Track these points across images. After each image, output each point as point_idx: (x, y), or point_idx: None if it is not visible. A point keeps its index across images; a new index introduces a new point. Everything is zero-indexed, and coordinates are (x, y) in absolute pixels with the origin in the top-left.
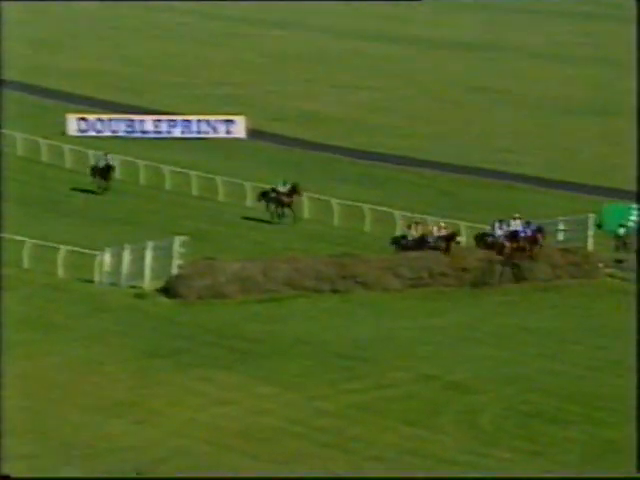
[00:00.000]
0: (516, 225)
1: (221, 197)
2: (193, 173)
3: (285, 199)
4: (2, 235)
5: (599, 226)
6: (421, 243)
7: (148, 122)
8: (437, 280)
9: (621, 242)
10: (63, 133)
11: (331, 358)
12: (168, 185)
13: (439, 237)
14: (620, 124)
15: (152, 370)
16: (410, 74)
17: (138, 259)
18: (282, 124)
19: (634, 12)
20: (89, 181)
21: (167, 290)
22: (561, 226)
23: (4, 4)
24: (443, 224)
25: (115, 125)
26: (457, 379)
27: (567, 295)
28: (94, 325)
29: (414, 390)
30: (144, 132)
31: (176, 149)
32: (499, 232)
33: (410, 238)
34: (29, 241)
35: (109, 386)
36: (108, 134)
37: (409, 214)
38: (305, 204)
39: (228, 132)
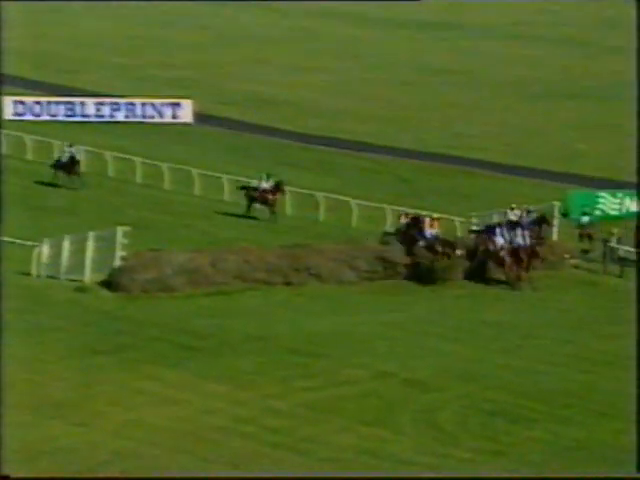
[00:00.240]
0: (515, 215)
1: (167, 185)
2: (137, 159)
3: (269, 197)
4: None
5: (564, 215)
6: (411, 240)
7: (89, 105)
8: (395, 273)
9: (585, 231)
10: None
11: (284, 354)
12: (111, 172)
13: (436, 239)
14: (587, 107)
15: (94, 368)
16: (365, 55)
17: (78, 251)
18: (231, 107)
19: None
20: (50, 174)
21: (109, 283)
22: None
23: None
24: (436, 220)
25: (54, 108)
26: (416, 376)
27: (530, 286)
28: (32, 321)
29: (371, 388)
30: (85, 116)
31: (119, 134)
32: (501, 241)
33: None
34: None
35: (48, 385)
36: (46, 118)
37: (365, 202)
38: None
39: (174, 116)
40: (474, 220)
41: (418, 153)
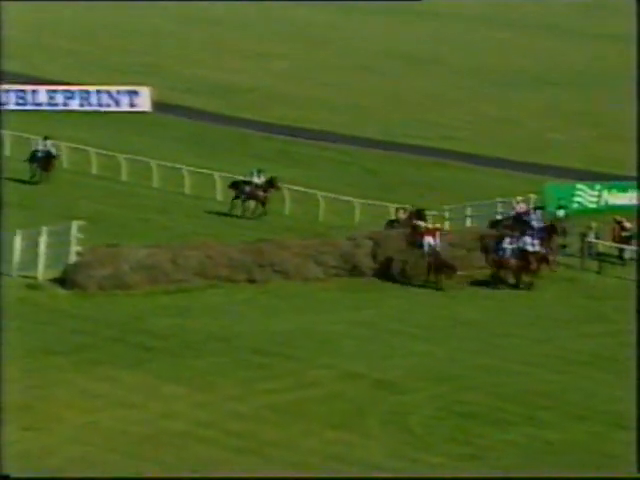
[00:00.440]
0: (521, 209)
1: (124, 177)
2: (93, 150)
3: (261, 194)
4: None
5: (540, 208)
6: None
7: (42, 93)
8: (363, 269)
9: (560, 225)
10: None
11: (246, 355)
12: (65, 163)
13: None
14: (563, 95)
15: (48, 369)
16: (331, 40)
17: (31, 246)
18: (191, 96)
19: None
20: (26, 169)
21: (64, 280)
22: (499, 208)
23: None
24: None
25: (4, 96)
26: (386, 377)
27: (505, 284)
28: None
29: (338, 390)
30: (37, 104)
31: (73, 123)
32: (508, 248)
33: (403, 216)
34: None
35: None
36: None
37: (332, 195)
38: (217, 184)
39: (131, 104)
40: (468, 211)
41: (386, 143)
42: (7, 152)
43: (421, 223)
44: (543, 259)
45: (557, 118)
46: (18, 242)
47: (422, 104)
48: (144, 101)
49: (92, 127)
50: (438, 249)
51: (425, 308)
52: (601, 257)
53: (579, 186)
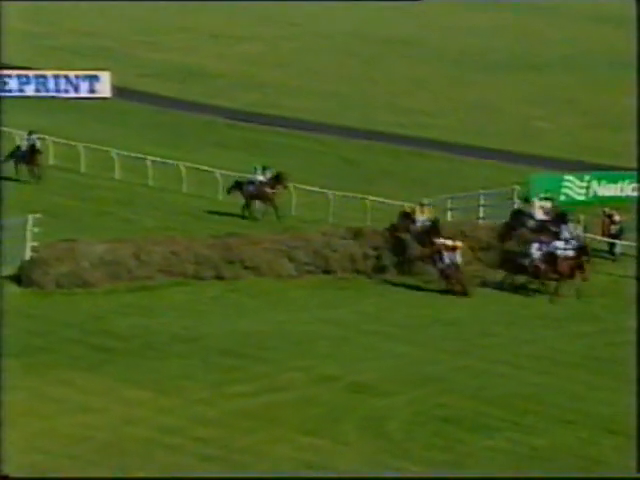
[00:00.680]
0: (543, 214)
1: (84, 167)
2: (50, 139)
3: (268, 192)
4: None
5: (526, 200)
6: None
7: None
8: (338, 266)
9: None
10: None
11: (214, 357)
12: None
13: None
14: (550, 80)
15: (2, 373)
16: (304, 22)
17: None
18: (154, 81)
19: None
20: (10, 167)
21: (19, 278)
22: (482, 200)
23: None
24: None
25: None
26: (361, 380)
27: (487, 280)
28: None
29: (312, 393)
30: None
31: (29, 110)
32: (537, 254)
33: (419, 224)
34: None
35: None
36: None
37: (305, 187)
38: (183, 175)
39: (91, 90)
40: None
41: (364, 132)
42: None
43: (441, 240)
44: (579, 267)
45: (544, 105)
46: None
47: (402, 90)
48: (105, 86)
49: (49, 114)
50: (459, 266)
51: (404, 307)
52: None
53: (567, 177)
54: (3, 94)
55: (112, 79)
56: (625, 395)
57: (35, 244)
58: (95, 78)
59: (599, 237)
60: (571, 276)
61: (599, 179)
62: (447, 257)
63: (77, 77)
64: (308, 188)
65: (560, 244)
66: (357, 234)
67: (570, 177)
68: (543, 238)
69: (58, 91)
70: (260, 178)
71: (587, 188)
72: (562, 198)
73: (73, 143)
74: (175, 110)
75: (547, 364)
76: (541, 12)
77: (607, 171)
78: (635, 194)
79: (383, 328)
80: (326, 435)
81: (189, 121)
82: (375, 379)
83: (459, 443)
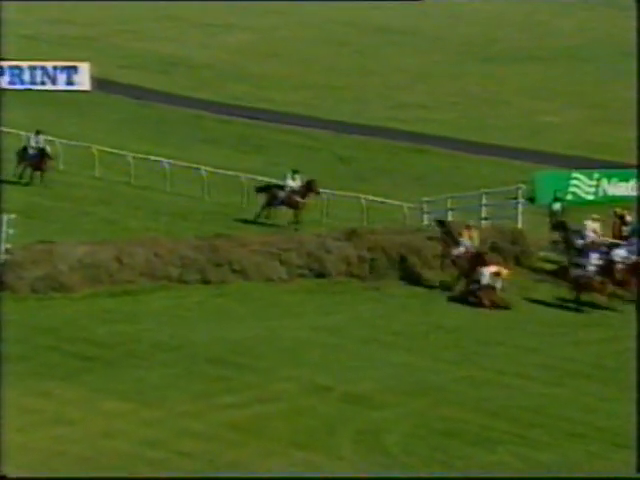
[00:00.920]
0: (593, 236)
1: (62, 165)
2: (25, 134)
3: (299, 201)
4: None
5: (531, 199)
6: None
7: None
8: (332, 269)
9: (556, 220)
10: None
11: (200, 365)
12: None
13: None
14: (556, 71)
15: None
16: (295, 11)
17: None
18: (137, 72)
19: None
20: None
21: None
22: (484, 200)
23: None
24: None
25: None
26: (357, 390)
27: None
28: None
29: (304, 404)
30: None
31: (3, 103)
32: (593, 265)
33: (462, 249)
34: None
35: None
36: None
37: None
38: (167, 173)
39: (69, 82)
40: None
41: (359, 127)
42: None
43: (485, 269)
44: (634, 268)
45: (550, 98)
46: None
47: (399, 82)
48: (84, 78)
49: (25, 108)
50: (494, 288)
51: (401, 313)
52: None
53: (575, 175)
54: None
55: (92, 70)
56: (637, 407)
57: (9, 246)
58: (73, 69)
59: (610, 239)
60: (627, 284)
61: (609, 177)
62: (485, 279)
63: (54, 68)
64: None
65: (621, 252)
66: (352, 235)
67: (578, 175)
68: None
69: (34, 83)
70: (291, 184)
71: (596, 187)
72: (569, 197)
73: (50, 139)
74: (159, 103)
75: (554, 374)
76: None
77: (618, 168)
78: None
79: (380, 335)
80: (319, 449)
81: (174, 115)
82: (371, 390)
83: (460, 458)
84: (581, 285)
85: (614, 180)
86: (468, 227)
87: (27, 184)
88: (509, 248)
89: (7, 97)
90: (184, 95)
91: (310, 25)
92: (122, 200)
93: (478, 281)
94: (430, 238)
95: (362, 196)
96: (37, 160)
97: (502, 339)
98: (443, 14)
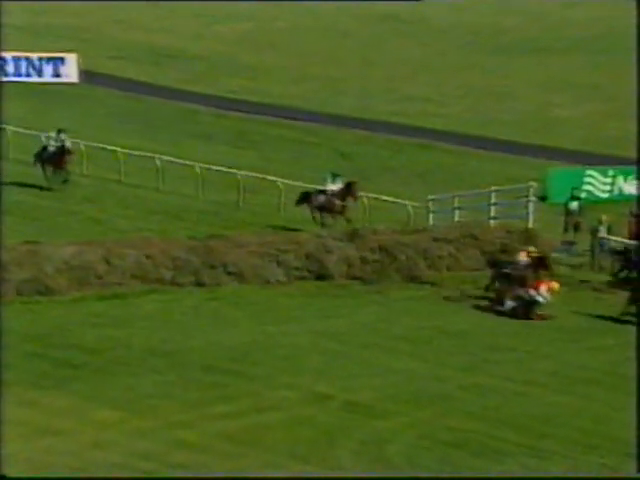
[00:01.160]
0: None
1: None
2: (9, 128)
3: (337, 204)
4: None
5: (543, 198)
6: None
7: None
8: (333, 271)
9: (573, 220)
10: None
11: (195, 372)
12: None
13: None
14: (569, 63)
15: None
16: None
17: None
18: (127, 64)
19: None
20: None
21: None
22: (493, 198)
23: None
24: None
25: None
26: (358, 399)
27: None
28: None
29: (303, 414)
30: None
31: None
32: None
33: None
34: None
35: None
36: None
37: (295, 183)
38: (159, 170)
39: (56, 74)
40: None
41: (360, 121)
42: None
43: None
44: None
45: (562, 91)
46: None
47: (403, 74)
48: (70, 70)
49: (9, 100)
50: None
51: (405, 317)
52: (615, 256)
53: (589, 172)
54: None
55: (79, 62)
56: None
57: None
58: (60, 61)
59: (625, 240)
60: None
61: (625, 174)
62: (540, 297)
63: (40, 59)
64: (299, 184)
65: None
66: (354, 236)
67: (592, 172)
68: None
69: (19, 75)
70: (331, 188)
71: (611, 184)
72: (583, 195)
73: (35, 133)
74: (150, 97)
75: (565, 381)
76: None
77: (634, 165)
78: None
79: (383, 341)
80: (319, 460)
81: (166, 109)
82: (373, 398)
83: (468, 469)
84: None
85: (630, 178)
86: (528, 252)
87: (49, 189)
88: (520, 249)
89: None
90: (177, 88)
91: (309, 14)
92: (111, 198)
93: (521, 297)
94: (436, 239)
95: (364, 194)
96: (57, 158)
97: (511, 345)
98: (450, 3)
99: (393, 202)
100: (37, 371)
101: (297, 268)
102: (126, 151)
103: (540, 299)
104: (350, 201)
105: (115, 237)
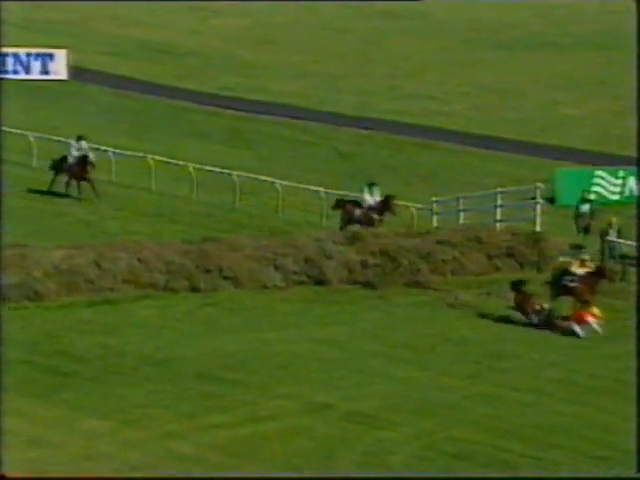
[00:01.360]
0: None
1: (35, 161)
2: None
3: (375, 219)
4: None
5: (551, 200)
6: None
7: None
8: (332, 276)
9: (584, 223)
10: None
11: (189, 381)
12: None
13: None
14: (577, 59)
15: None
16: None
17: None
18: (118, 60)
19: None
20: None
21: None
22: (499, 200)
23: None
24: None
25: None
26: (360, 409)
27: (506, 293)
28: None
29: (303, 424)
30: None
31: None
32: None
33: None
34: None
35: None
36: None
37: (293, 184)
38: (152, 170)
39: (44, 71)
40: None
41: (361, 120)
42: None
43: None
44: None
45: (570, 89)
46: None
47: (404, 71)
48: (59, 66)
49: None
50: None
51: (407, 324)
52: (625, 260)
53: (598, 172)
54: None
55: (69, 58)
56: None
57: None
58: (49, 57)
59: (636, 243)
60: None
61: (636, 175)
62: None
63: (28, 55)
64: (297, 185)
65: None
66: (354, 239)
67: (602, 173)
68: None
69: (5, 72)
70: (368, 200)
71: (622, 185)
72: (592, 197)
73: (23, 132)
74: (142, 94)
75: (573, 390)
76: None
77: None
78: None
79: (384, 348)
80: (319, 472)
81: (158, 107)
82: (375, 408)
83: None
84: None
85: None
86: (582, 261)
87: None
88: (527, 253)
89: None
90: (170, 85)
91: (308, 9)
92: (102, 200)
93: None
94: (440, 242)
95: (364, 195)
96: (78, 168)
97: (517, 352)
98: None
99: (395, 204)
100: (25, 379)
101: (295, 272)
102: (117, 150)
103: (580, 333)
104: (387, 215)
105: (106, 240)
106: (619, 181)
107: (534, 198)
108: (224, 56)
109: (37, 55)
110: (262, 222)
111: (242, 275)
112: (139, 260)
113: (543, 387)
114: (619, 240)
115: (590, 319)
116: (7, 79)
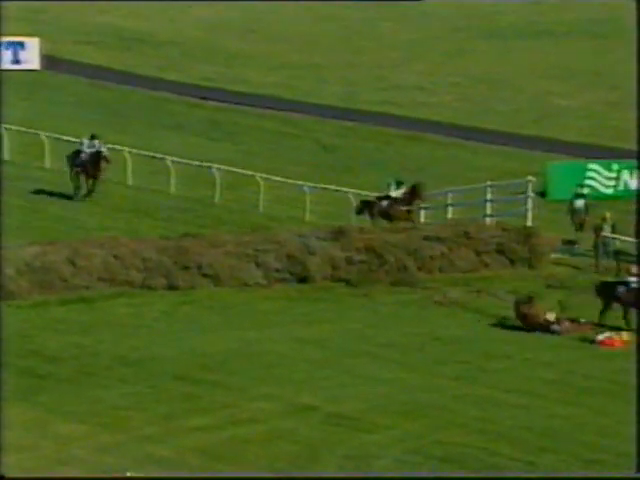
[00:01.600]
0: None
1: (7, 154)
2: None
3: (402, 211)
4: None
5: (542, 194)
6: None
7: None
8: (316, 273)
9: (579, 218)
10: None
11: (167, 382)
12: None
13: None
14: (569, 48)
15: None
16: None
17: None
18: (92, 49)
19: None
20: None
21: None
22: (489, 194)
23: None
24: None
25: None
26: (344, 410)
27: (496, 291)
28: None
29: (285, 426)
30: None
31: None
32: None
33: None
34: None
35: None
36: None
37: (275, 177)
38: (128, 164)
39: (15, 60)
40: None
41: (346, 111)
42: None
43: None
44: None
45: (563, 79)
46: None
47: (391, 61)
48: (32, 56)
49: None
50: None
51: (394, 323)
52: (619, 256)
53: (592, 166)
54: None
55: (41, 47)
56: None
57: None
58: (20, 45)
59: (631, 239)
60: None
61: (630, 168)
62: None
63: None
64: (279, 179)
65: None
66: (338, 235)
67: (595, 166)
68: None
69: None
70: (394, 195)
71: (616, 179)
72: (585, 191)
73: None
74: (118, 84)
75: (567, 391)
76: None
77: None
78: None
79: (370, 348)
80: (301, 477)
81: (135, 98)
82: (360, 410)
83: None
84: None
85: (636, 172)
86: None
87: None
88: (518, 249)
89: None
90: (148, 75)
91: None
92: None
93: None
94: (427, 238)
95: (350, 190)
96: (89, 166)
97: (508, 352)
98: None
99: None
100: None
101: (277, 270)
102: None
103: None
104: (417, 204)
105: (80, 236)
106: (613, 174)
107: (525, 192)
108: (204, 46)
109: (8, 44)
110: (243, 217)
111: (222, 272)
112: (115, 257)
113: (536, 388)
114: (613, 235)
115: (618, 345)
116: None
